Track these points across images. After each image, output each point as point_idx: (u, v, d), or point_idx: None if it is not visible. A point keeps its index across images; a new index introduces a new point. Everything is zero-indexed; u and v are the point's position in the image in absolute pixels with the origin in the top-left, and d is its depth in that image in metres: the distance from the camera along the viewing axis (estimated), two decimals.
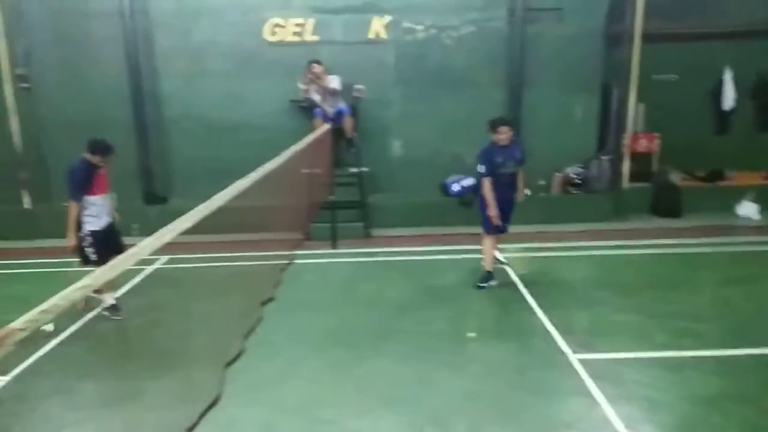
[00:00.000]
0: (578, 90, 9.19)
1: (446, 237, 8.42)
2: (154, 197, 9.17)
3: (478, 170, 6.02)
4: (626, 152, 9.48)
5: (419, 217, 8.99)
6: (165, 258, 7.37)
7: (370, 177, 9.10)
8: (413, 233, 8.72)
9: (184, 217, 2.34)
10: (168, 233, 2.11)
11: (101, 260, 5.20)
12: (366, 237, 8.68)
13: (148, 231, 8.83)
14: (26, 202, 9.02)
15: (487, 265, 6.29)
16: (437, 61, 9.11)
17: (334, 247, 8.08)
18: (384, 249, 8.01)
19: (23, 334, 1.25)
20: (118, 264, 1.69)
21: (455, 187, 8.88)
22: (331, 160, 8.70)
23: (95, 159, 5.28)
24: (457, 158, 9.08)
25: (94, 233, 5.34)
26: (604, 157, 9.34)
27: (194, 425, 2.79)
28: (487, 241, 6.26)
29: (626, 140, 9.43)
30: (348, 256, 7.77)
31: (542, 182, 9.28)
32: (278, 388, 4.26)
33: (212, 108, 9.09)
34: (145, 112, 8.96)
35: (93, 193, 5.32)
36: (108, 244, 5.32)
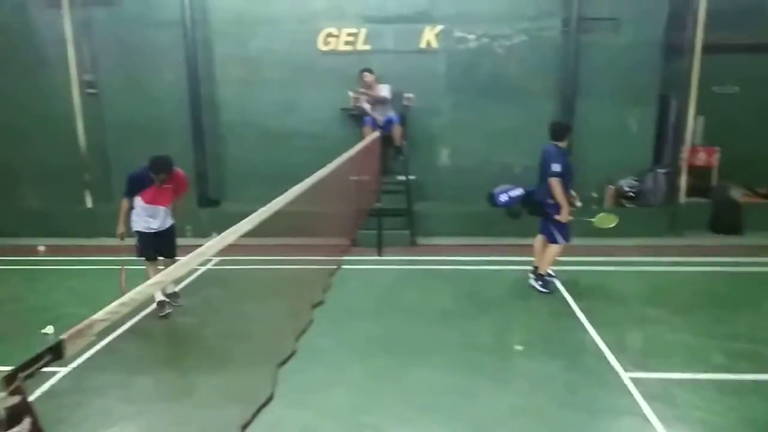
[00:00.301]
0: (634, 101, 8.96)
1: (492, 247, 8.33)
2: (207, 200, 9.46)
3: (554, 169, 5.96)
4: (684, 166, 9.15)
5: (465, 227, 8.93)
6: (216, 259, 7.58)
7: (417, 185, 9.12)
8: (459, 243, 8.67)
9: (245, 220, 2.41)
10: (231, 235, 2.18)
11: (148, 256, 5.51)
12: (412, 245, 8.69)
13: (200, 232, 9.14)
14: (88, 201, 9.47)
15: (546, 269, 6.25)
16: (488, 71, 9.07)
17: (379, 254, 8.12)
18: (429, 257, 8.00)
19: (104, 325, 1.33)
20: (185, 262, 1.76)
21: (503, 198, 8.74)
22: (379, 167, 8.77)
23: (151, 174, 5.55)
24: (506, 168, 8.99)
25: (139, 233, 5.73)
26: (660, 170, 9.05)
27: (248, 423, 2.87)
28: (559, 250, 6.22)
29: (684, 153, 9.11)
30: (393, 263, 7.79)
31: (594, 194, 9.07)
32: (323, 391, 4.31)
33: (266, 115, 9.34)
34: (202, 117, 9.27)
35: (143, 200, 5.65)
36: (155, 246, 5.72)
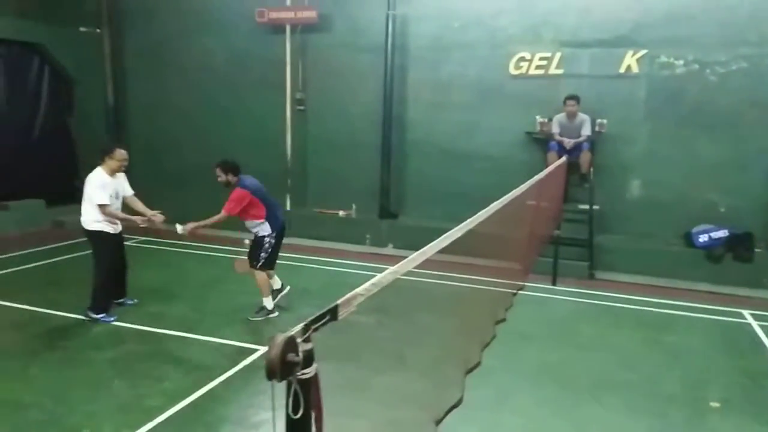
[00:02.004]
0: None
1: (683, 292, 7.58)
2: (387, 212, 10.01)
3: None
4: None
5: (653, 266, 8.23)
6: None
7: (601, 215, 8.67)
8: (644, 282, 8.03)
9: (444, 236, 2.57)
10: (430, 250, 2.35)
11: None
12: (589, 278, 8.25)
13: (378, 242, 9.68)
14: (287, 204, 10.62)
15: None
16: (695, 99, 8.32)
17: (554, 283, 7.86)
18: (608, 293, 7.52)
19: (361, 299, 1.60)
20: (390, 272, 1.97)
21: (702, 238, 8.00)
22: (563, 194, 8.52)
23: None
24: (708, 206, 8.16)
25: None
26: None
27: (440, 420, 3.06)
28: None
29: None
30: (568, 294, 7.50)
31: None
32: (491, 412, 4.31)
33: (450, 135, 9.63)
34: (391, 135, 9.85)
35: None
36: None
